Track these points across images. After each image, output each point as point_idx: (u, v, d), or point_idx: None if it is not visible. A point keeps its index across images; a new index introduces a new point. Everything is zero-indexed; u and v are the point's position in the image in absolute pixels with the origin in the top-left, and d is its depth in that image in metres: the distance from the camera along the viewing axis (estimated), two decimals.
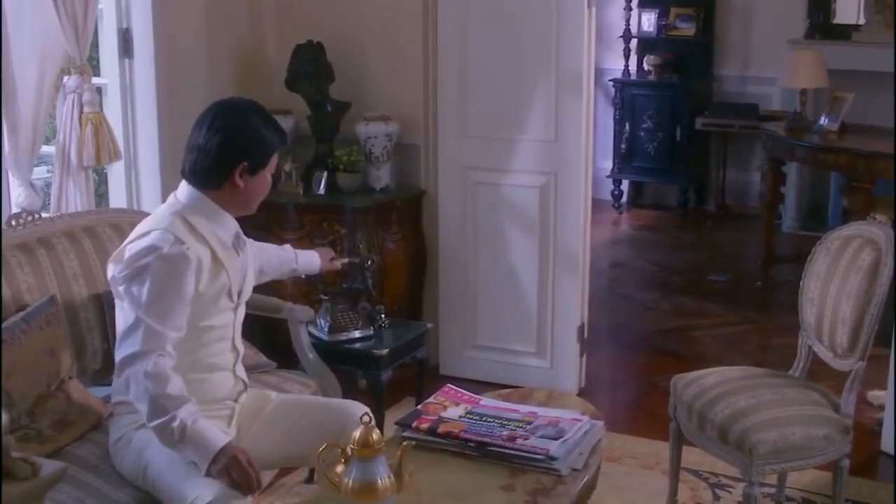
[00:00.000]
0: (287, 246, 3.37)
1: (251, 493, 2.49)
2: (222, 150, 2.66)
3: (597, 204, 6.22)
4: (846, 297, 3.14)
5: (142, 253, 2.60)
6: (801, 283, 3.38)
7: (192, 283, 2.62)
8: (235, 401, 2.84)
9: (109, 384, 2.84)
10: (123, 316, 2.61)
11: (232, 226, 2.79)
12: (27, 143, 3.64)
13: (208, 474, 2.47)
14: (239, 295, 2.81)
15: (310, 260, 3.37)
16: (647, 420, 4.29)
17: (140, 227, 2.70)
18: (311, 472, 3.59)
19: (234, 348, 2.84)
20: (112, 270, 2.68)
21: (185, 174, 2.73)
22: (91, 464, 2.76)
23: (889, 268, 3.07)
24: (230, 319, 2.80)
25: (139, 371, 2.50)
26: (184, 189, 2.74)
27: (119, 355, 2.57)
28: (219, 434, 2.53)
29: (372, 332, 3.79)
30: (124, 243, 2.69)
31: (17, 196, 3.65)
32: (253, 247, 3.03)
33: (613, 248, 7.27)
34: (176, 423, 2.47)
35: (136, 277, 2.58)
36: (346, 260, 3.62)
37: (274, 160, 2.76)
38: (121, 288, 2.62)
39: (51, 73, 3.68)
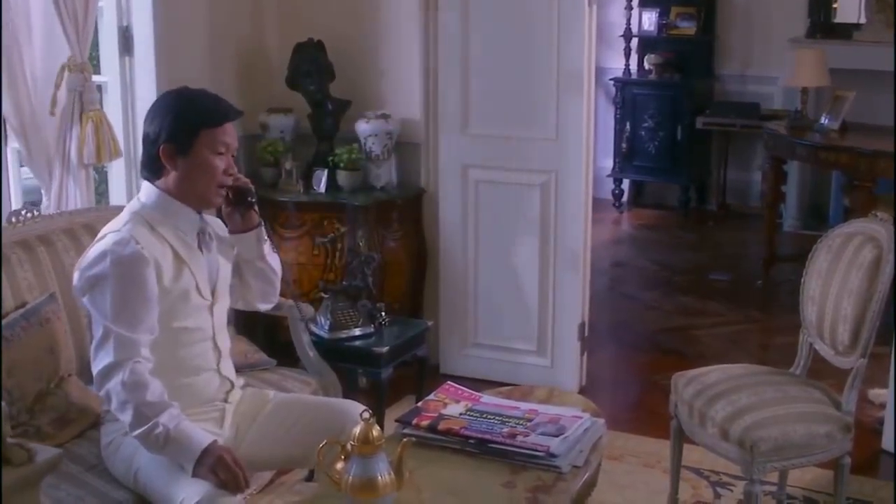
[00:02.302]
0: None
1: (239, 492, 2.48)
2: (147, 135, 2.65)
3: (598, 203, 6.21)
4: (847, 294, 3.14)
5: (95, 260, 2.56)
6: (802, 281, 3.37)
7: (153, 281, 2.57)
8: (225, 400, 2.81)
9: None
10: (93, 327, 2.58)
11: (193, 222, 2.71)
12: (47, 148, 3.67)
13: (195, 475, 2.46)
14: (213, 293, 2.75)
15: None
16: (649, 418, 4.28)
17: (101, 231, 2.67)
18: (312, 470, 3.57)
19: (216, 347, 2.78)
20: (74, 280, 2.64)
21: (140, 171, 2.74)
22: (90, 463, 2.76)
23: (890, 265, 3.06)
24: (207, 319, 2.74)
25: (117, 383, 2.48)
26: (143, 187, 2.73)
27: (94, 368, 2.53)
28: (203, 434, 2.51)
29: (372, 329, 3.79)
30: (86, 249, 2.66)
31: (43, 202, 3.73)
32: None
33: (614, 247, 7.26)
34: (159, 430, 2.45)
35: (94, 287, 2.55)
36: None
37: (212, 138, 2.61)
38: (84, 300, 2.60)
39: (55, 72, 3.70)
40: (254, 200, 2.79)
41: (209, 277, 2.75)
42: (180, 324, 2.67)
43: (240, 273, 2.91)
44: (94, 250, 2.60)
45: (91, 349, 2.58)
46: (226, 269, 2.83)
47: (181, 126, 2.60)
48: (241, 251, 2.86)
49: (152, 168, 2.67)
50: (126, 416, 2.48)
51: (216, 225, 2.85)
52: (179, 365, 2.69)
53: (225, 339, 2.83)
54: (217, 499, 2.43)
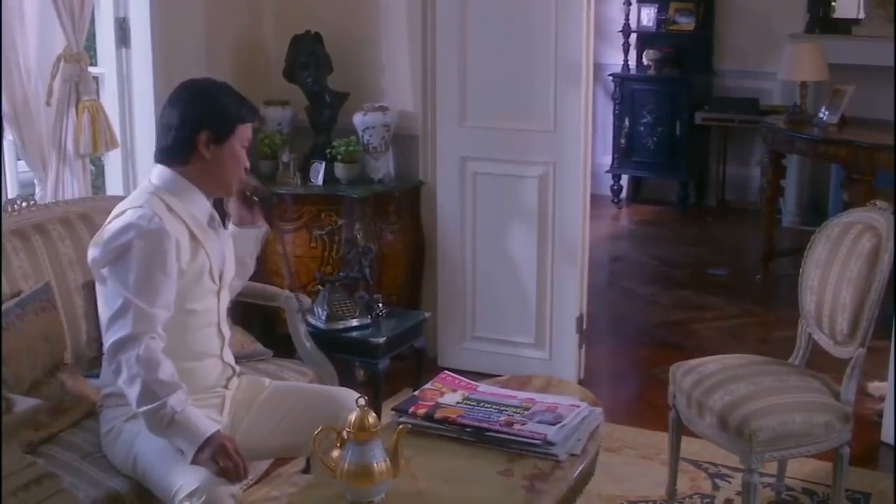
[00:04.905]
0: None
1: (238, 481, 2.48)
2: (184, 121, 2.66)
3: (596, 199, 6.20)
4: (846, 283, 3.12)
5: (120, 232, 2.57)
6: (801, 271, 3.36)
7: (174, 258, 2.59)
8: (225, 387, 2.82)
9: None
10: (109, 298, 2.58)
11: (205, 207, 2.75)
12: (41, 139, 3.66)
13: (195, 461, 2.45)
14: (220, 278, 2.78)
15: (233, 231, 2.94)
16: (648, 411, 4.27)
17: (116, 209, 2.69)
18: (308, 462, 3.57)
19: (220, 333, 2.81)
20: (92, 253, 2.65)
21: (157, 156, 2.75)
22: (86, 451, 2.75)
23: (889, 253, 3.05)
24: (214, 304, 2.77)
25: (131, 356, 2.48)
26: (157, 171, 2.73)
27: (109, 339, 2.53)
28: (208, 423, 2.51)
29: (369, 320, 3.78)
30: (103, 226, 2.67)
31: (37, 193, 3.71)
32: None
33: (613, 242, 7.24)
34: (166, 410, 2.45)
35: (118, 259, 2.56)
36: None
37: (243, 133, 2.71)
38: (104, 271, 2.60)
39: (48, 63, 3.69)
40: (268, 201, 2.93)
41: (218, 261, 2.78)
42: (191, 306, 2.69)
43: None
44: (116, 223, 2.61)
45: (104, 321, 2.59)
46: (230, 257, 2.87)
47: (225, 116, 2.67)
48: (236, 245, 2.89)
49: (180, 153, 2.68)
50: (133, 391, 2.48)
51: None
52: (186, 348, 2.69)
53: (227, 327, 2.86)
54: (215, 487, 2.42)
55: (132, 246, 2.54)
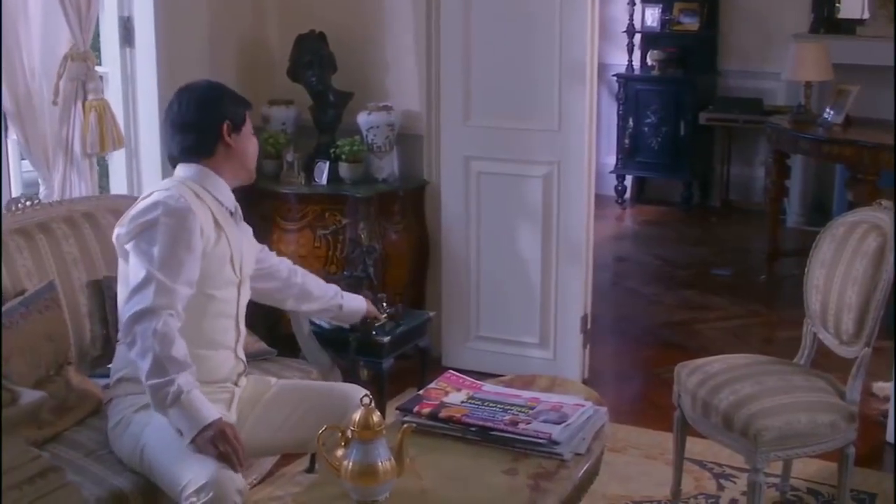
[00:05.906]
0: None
1: (238, 467, 2.48)
2: (202, 116, 2.78)
3: (600, 199, 6.19)
4: (852, 282, 3.12)
5: (146, 209, 2.66)
6: (806, 270, 3.35)
7: (199, 237, 2.65)
8: (235, 383, 2.84)
9: (108, 374, 2.83)
10: (132, 273, 2.62)
11: (231, 195, 2.85)
12: (45, 138, 3.66)
13: (193, 443, 2.47)
14: (241, 270, 2.82)
15: (357, 303, 3.35)
16: (652, 411, 4.27)
17: (144, 194, 2.79)
18: (312, 461, 3.57)
19: (237, 328, 2.85)
20: (118, 231, 2.72)
21: (177, 157, 2.82)
22: (90, 449, 2.75)
23: (893, 253, 3.04)
24: (234, 296, 2.82)
25: (148, 328, 2.51)
26: (180, 168, 2.82)
27: (128, 311, 2.56)
28: (211, 409, 2.54)
29: None
30: (129, 210, 2.74)
31: (41, 192, 3.71)
32: (284, 264, 3.15)
33: (617, 242, 7.24)
34: (173, 388, 2.48)
35: (143, 233, 2.62)
36: (385, 315, 3.57)
37: (249, 121, 2.87)
38: (128, 245, 2.66)
39: (52, 62, 3.69)
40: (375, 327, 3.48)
41: (238, 251, 2.82)
42: (211, 291, 2.74)
43: (310, 297, 3.16)
44: (144, 203, 2.69)
45: (124, 294, 2.64)
46: (249, 253, 2.92)
47: (236, 107, 2.83)
48: (345, 306, 3.27)
49: (205, 147, 2.79)
50: (145, 364, 2.51)
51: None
52: (201, 335, 2.72)
53: (244, 324, 2.90)
54: (223, 483, 2.42)
55: (158, 222, 2.61)
